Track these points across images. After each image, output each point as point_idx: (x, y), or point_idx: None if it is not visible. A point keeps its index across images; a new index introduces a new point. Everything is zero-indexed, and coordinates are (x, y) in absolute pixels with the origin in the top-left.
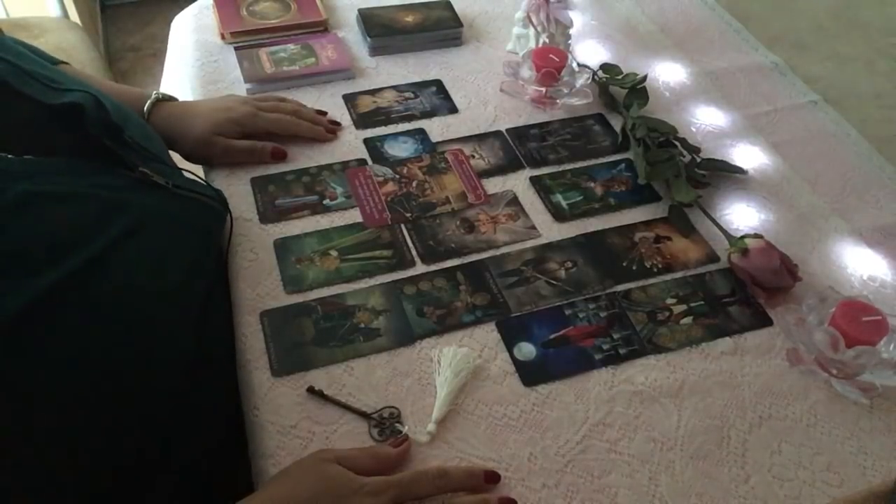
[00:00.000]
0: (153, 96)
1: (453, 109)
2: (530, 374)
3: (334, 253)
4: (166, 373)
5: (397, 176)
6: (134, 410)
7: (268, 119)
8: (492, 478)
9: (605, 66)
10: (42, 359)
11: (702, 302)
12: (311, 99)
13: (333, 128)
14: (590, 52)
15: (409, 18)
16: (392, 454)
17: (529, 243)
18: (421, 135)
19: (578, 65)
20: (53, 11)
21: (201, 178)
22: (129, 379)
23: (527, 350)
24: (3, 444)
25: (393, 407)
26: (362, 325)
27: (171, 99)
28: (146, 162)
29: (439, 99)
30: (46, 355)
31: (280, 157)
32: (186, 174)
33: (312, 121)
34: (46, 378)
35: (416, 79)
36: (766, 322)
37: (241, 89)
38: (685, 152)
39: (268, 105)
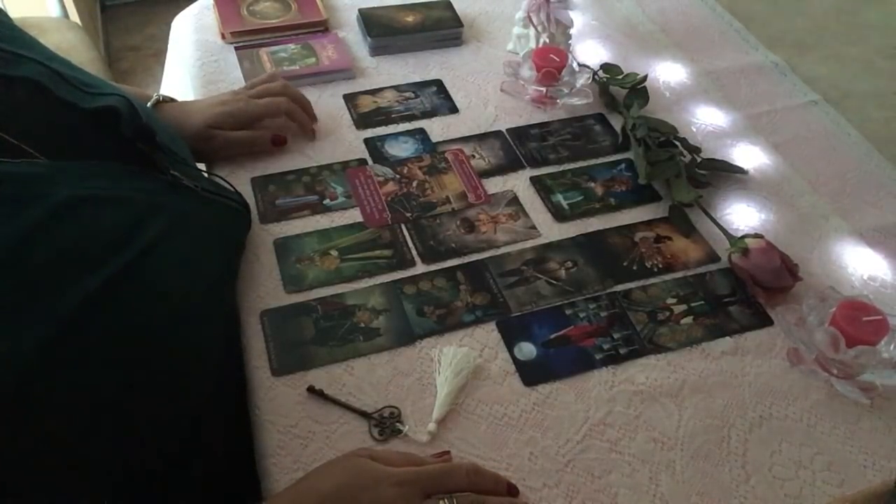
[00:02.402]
0: (154, 98)
1: (453, 109)
2: (530, 373)
3: (334, 253)
4: (196, 374)
5: (397, 176)
6: (162, 411)
7: (261, 105)
8: (513, 490)
9: (605, 66)
10: (86, 360)
11: (702, 302)
12: (312, 99)
13: (311, 119)
14: (590, 52)
15: (410, 18)
16: (427, 458)
17: (529, 243)
18: (421, 135)
19: (579, 65)
20: (53, 11)
21: (225, 181)
22: (161, 380)
23: (527, 350)
24: (38, 445)
25: (393, 406)
26: (362, 325)
27: (171, 100)
28: (176, 165)
29: (439, 99)
30: (90, 357)
31: (280, 143)
32: (210, 177)
33: (298, 102)
34: (83, 381)
35: (417, 79)
36: (766, 322)
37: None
38: (685, 152)
39: (257, 91)
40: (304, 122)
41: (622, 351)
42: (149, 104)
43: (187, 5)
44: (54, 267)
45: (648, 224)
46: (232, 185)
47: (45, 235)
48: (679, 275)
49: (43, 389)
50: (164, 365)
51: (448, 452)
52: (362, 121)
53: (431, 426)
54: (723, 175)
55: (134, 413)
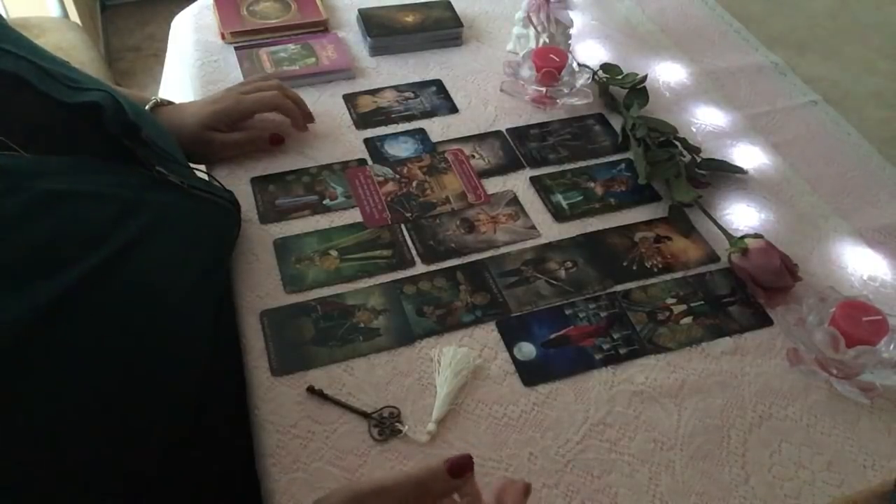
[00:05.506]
0: (151, 101)
1: (453, 109)
2: (530, 373)
3: (334, 253)
4: (182, 373)
5: (397, 176)
6: (148, 410)
7: (251, 100)
8: (458, 470)
9: (605, 66)
10: (60, 358)
11: (702, 302)
12: (312, 99)
13: (307, 118)
14: (590, 52)
15: (409, 18)
16: (450, 487)
17: (529, 243)
18: (421, 135)
19: (578, 65)
20: (53, 11)
21: (214, 178)
22: (146, 378)
23: (527, 350)
24: (14, 446)
25: (393, 407)
26: (362, 325)
27: (169, 103)
28: (162, 161)
29: (439, 99)
30: (64, 354)
31: (278, 142)
32: (199, 174)
33: (294, 100)
34: (62, 377)
35: (416, 79)
36: (766, 322)
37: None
38: (685, 152)
39: (249, 87)
40: (295, 117)
41: (622, 351)
42: (147, 108)
43: (187, 5)
44: (30, 260)
45: (648, 224)
46: (220, 183)
47: (22, 228)
48: (679, 275)
49: (20, 382)
50: (148, 362)
51: (470, 468)
52: (362, 121)
53: (431, 426)
54: (723, 175)
55: (119, 410)
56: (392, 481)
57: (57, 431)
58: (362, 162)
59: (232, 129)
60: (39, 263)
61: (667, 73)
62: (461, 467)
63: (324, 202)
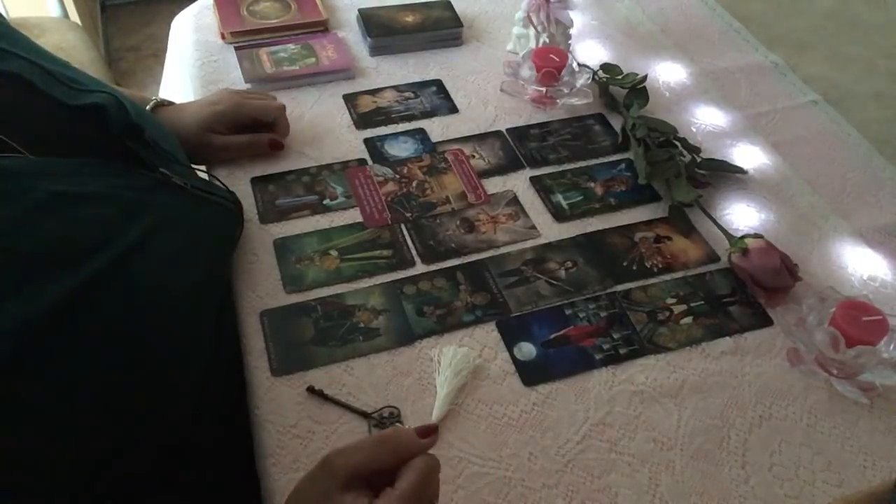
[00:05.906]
0: (151, 101)
1: (453, 109)
2: (530, 373)
3: (334, 253)
4: (183, 373)
5: (397, 176)
6: (149, 410)
7: (253, 106)
8: (426, 433)
9: (605, 66)
10: (63, 360)
11: (702, 302)
12: (312, 99)
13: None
14: (590, 52)
15: (410, 18)
16: (417, 446)
17: (529, 243)
18: (421, 135)
19: (578, 65)
20: (53, 11)
21: (216, 179)
22: (147, 378)
23: (527, 350)
24: (17, 447)
25: (393, 406)
26: (362, 325)
27: (169, 104)
28: (165, 162)
29: (439, 99)
30: (68, 356)
31: (277, 147)
32: (201, 174)
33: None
34: (65, 380)
35: (417, 79)
36: (766, 322)
37: (242, 89)
38: (685, 152)
39: (253, 94)
40: (281, 134)
41: (622, 351)
42: (147, 108)
43: (187, 5)
44: (34, 263)
45: (648, 224)
46: (223, 184)
47: (26, 231)
48: (679, 275)
49: (22, 383)
50: (150, 362)
51: (435, 429)
52: (362, 121)
53: None
54: (723, 175)
55: (120, 410)
56: (355, 441)
57: (59, 432)
58: (362, 162)
59: (231, 131)
60: (43, 266)
61: (667, 73)
62: (428, 429)
63: (324, 202)
